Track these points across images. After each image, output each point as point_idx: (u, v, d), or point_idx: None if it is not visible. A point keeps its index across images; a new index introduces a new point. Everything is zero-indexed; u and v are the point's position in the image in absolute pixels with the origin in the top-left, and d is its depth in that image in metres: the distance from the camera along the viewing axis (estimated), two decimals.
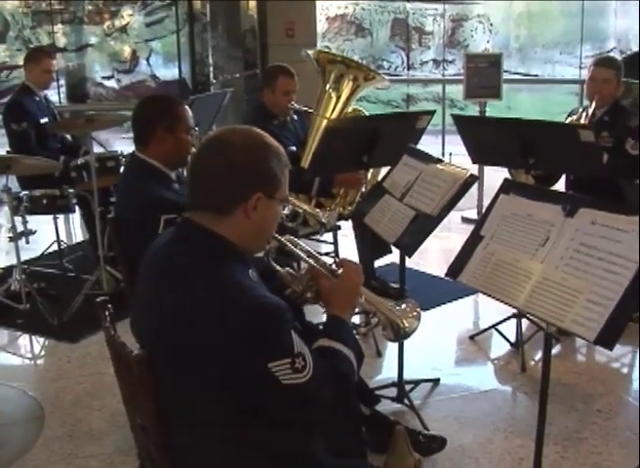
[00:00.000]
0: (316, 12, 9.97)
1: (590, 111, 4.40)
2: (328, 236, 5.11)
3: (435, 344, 4.29)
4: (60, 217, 5.98)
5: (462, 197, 2.98)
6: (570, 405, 3.60)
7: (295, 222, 3.83)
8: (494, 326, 4.34)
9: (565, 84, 12.54)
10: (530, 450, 2.65)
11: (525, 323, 4.27)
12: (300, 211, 3.66)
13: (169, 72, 11.89)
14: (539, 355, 4.14)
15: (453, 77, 12.73)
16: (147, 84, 12.22)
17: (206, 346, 1.75)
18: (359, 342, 2.12)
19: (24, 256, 5.21)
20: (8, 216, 5.06)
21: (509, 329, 4.26)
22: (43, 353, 4.49)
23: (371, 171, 4.50)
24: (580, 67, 12.75)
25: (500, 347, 4.26)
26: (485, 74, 6.86)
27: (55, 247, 5.73)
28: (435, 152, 4.06)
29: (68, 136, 5.89)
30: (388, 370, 3.85)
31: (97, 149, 5.50)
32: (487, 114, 7.09)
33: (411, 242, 3.03)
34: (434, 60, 14.67)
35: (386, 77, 5.22)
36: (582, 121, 4.38)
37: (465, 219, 6.76)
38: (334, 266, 2.30)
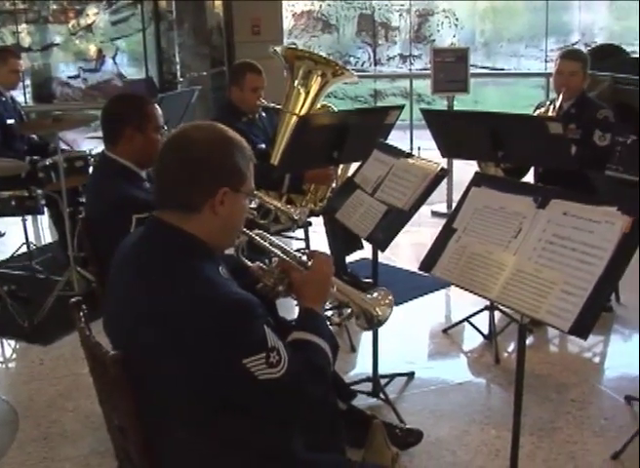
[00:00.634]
0: (282, 8, 9.99)
1: (557, 104, 4.45)
2: (299, 232, 5.10)
3: (409, 338, 4.31)
4: (29, 219, 5.92)
5: (434, 191, 2.99)
6: (544, 395, 3.63)
7: (266, 219, 3.83)
8: (466, 318, 4.37)
9: (531, 77, 12.58)
10: (506, 441, 2.67)
11: (497, 315, 4.30)
12: (272, 207, 3.66)
13: (135, 71, 11.79)
14: (512, 346, 4.17)
15: (420, 72, 12.73)
16: (114, 83, 12.10)
17: (180, 345, 1.74)
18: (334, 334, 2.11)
19: None
20: None
21: (482, 321, 4.29)
22: (15, 356, 4.44)
23: (341, 166, 4.51)
24: (546, 61, 12.84)
25: (473, 340, 4.28)
26: (452, 68, 6.89)
27: (24, 248, 5.67)
28: (404, 147, 4.06)
29: (35, 137, 5.82)
30: (363, 365, 3.86)
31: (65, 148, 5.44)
32: (455, 108, 7.12)
33: (383, 236, 3.03)
34: (401, 56, 14.67)
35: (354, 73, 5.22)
36: (550, 114, 4.43)
37: (435, 213, 6.79)
38: (304, 258, 2.29)
